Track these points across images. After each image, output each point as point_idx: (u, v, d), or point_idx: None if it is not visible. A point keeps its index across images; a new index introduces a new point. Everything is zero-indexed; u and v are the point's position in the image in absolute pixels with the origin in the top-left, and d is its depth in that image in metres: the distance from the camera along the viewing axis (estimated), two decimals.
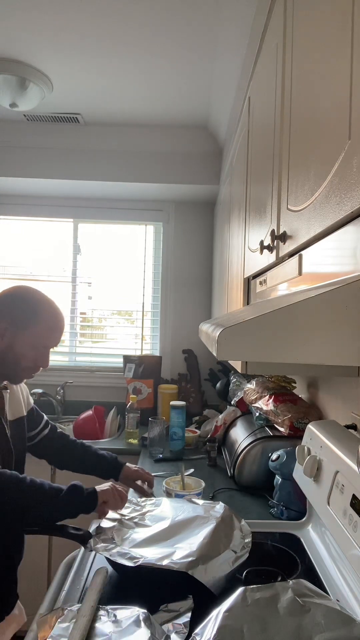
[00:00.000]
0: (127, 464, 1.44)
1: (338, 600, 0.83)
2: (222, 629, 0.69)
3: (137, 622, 0.79)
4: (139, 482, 1.41)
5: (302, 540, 1.22)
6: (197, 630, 0.73)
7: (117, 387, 2.91)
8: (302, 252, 0.85)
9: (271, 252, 1.03)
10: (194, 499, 1.24)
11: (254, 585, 0.78)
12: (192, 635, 0.72)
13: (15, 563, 1.27)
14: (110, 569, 1.02)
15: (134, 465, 1.45)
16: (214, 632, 0.69)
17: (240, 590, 0.77)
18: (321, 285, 0.71)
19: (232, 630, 0.69)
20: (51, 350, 1.26)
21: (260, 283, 1.26)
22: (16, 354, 1.19)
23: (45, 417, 1.49)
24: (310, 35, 0.77)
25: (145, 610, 0.81)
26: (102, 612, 0.84)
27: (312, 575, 1.06)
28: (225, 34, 1.68)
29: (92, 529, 1.11)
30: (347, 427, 1.20)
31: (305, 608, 0.73)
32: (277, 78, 1.02)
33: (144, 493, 1.38)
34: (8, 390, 1.29)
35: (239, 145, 1.70)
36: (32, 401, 1.44)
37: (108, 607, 0.84)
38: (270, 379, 1.86)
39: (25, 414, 1.35)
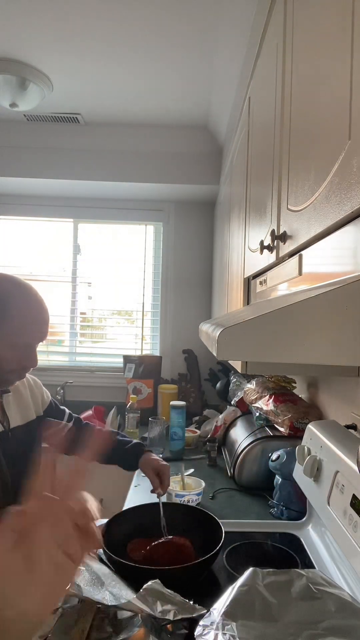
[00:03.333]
0: (149, 452, 1.35)
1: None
2: (235, 602, 0.72)
3: (136, 621, 0.79)
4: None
5: (302, 540, 1.22)
6: (214, 605, 0.75)
7: (117, 387, 2.91)
8: (302, 252, 0.85)
9: (271, 252, 1.03)
10: None
11: (270, 569, 0.79)
12: (210, 610, 0.75)
13: None
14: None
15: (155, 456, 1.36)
16: (227, 603, 0.72)
17: (251, 569, 0.78)
18: (321, 285, 0.71)
19: (244, 604, 0.73)
20: (49, 348, 1.11)
21: (261, 283, 1.26)
22: None
23: (67, 410, 1.41)
24: (311, 35, 0.77)
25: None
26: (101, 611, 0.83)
27: None
28: (225, 34, 1.68)
29: None
30: (347, 427, 1.20)
31: (317, 595, 0.75)
32: (277, 78, 1.02)
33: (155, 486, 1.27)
34: (10, 394, 1.16)
35: (239, 145, 1.70)
36: (48, 397, 1.33)
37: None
38: (270, 379, 1.86)
39: (35, 417, 1.23)
